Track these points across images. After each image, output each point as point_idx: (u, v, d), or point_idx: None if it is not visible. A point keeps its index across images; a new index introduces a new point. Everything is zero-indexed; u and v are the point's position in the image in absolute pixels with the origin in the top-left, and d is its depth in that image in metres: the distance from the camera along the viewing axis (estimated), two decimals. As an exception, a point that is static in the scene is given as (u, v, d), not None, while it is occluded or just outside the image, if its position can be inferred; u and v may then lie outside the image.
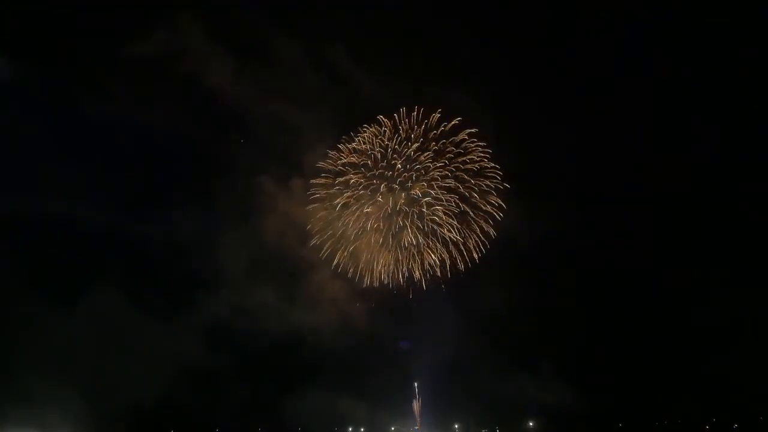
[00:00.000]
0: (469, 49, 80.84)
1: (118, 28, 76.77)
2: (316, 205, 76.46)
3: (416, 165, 74.59)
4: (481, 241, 75.16)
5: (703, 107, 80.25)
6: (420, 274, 75.84)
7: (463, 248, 75.10)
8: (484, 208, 74.90)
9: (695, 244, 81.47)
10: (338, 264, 75.87)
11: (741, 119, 79.20)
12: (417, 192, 74.79)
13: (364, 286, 75.81)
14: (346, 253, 75.93)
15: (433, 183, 74.61)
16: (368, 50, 77.99)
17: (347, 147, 76.03)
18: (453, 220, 74.84)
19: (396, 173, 74.88)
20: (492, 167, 74.84)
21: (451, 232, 74.99)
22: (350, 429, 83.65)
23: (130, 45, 75.39)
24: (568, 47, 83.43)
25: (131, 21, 76.35)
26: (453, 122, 74.14)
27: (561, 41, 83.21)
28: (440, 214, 74.97)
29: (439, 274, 75.70)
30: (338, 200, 75.86)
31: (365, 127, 75.23)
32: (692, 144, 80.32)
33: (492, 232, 74.85)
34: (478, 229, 75.05)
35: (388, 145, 74.59)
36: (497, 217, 74.52)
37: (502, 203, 74.64)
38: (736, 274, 77.95)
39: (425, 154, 74.48)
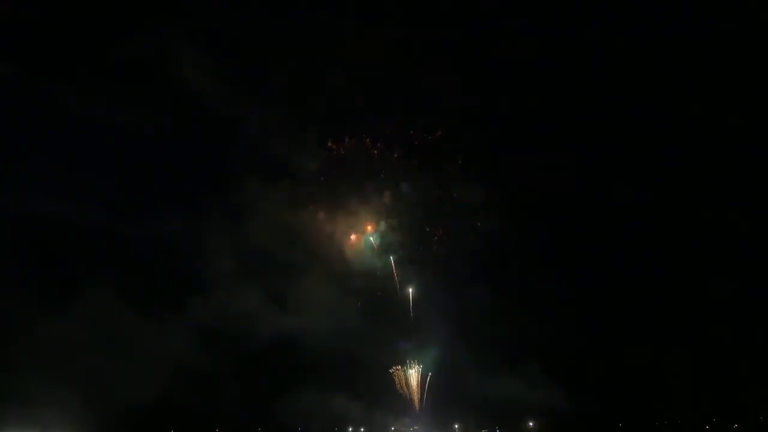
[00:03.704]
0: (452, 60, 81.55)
1: (105, 30, 77.48)
2: (306, 209, 77.70)
3: (400, 171, 75.71)
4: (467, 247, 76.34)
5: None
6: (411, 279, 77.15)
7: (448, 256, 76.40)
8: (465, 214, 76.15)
9: (693, 242, 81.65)
10: (331, 267, 77.07)
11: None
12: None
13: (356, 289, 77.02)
14: (337, 258, 77.14)
15: (418, 192, 75.85)
16: (356, 54, 78.36)
17: (331, 154, 77.16)
18: (439, 228, 76.10)
19: (381, 180, 76.14)
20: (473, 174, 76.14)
21: (439, 243, 76.26)
22: (350, 429, 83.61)
23: (120, 47, 76.18)
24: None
25: (118, 23, 77.19)
26: (436, 133, 75.45)
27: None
28: (426, 226, 76.25)
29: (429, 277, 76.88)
30: (326, 207, 77.05)
31: (348, 137, 76.38)
32: (678, 142, 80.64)
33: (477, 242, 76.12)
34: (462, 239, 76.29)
35: (373, 153, 75.71)
36: (479, 226, 75.95)
37: (485, 211, 76.01)
38: (735, 272, 78.21)
39: (410, 162, 75.59)
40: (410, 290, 79.15)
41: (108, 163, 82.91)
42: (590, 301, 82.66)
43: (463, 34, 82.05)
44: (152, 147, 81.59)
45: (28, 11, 74.67)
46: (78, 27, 76.79)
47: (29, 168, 76.32)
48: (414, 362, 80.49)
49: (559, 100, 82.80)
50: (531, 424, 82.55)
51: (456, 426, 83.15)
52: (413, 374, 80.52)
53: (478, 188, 79.30)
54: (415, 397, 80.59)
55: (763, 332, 75.25)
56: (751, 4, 74.82)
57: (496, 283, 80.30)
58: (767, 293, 76.18)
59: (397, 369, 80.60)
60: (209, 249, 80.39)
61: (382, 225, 78.16)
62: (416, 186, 77.42)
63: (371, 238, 79.09)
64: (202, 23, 79.19)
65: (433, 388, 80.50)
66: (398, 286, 78.42)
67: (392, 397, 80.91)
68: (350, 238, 79.21)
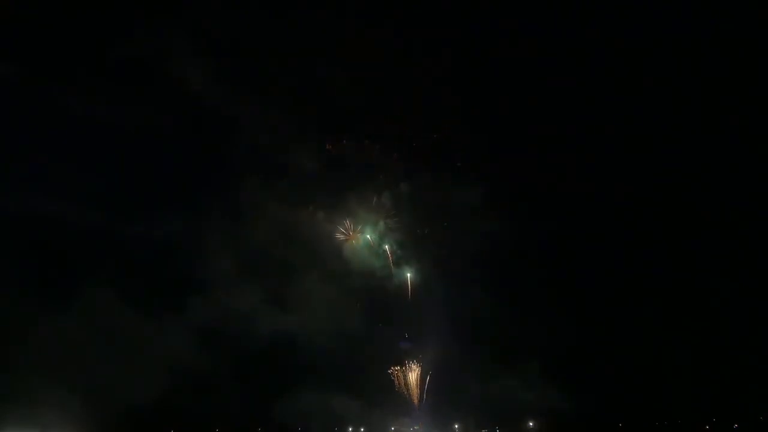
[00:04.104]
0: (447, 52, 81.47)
1: (105, 30, 77.44)
2: (305, 209, 78.12)
3: (400, 171, 76.14)
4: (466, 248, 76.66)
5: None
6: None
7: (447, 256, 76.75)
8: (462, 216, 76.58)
9: (693, 242, 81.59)
10: (330, 267, 77.50)
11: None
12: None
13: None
14: (336, 258, 77.63)
15: (417, 192, 76.31)
16: (356, 54, 78.54)
17: (330, 155, 77.56)
18: (438, 228, 76.56)
19: (380, 180, 76.76)
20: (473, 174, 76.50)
21: (438, 243, 76.65)
22: (350, 429, 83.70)
23: (119, 47, 76.21)
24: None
25: (118, 23, 77.19)
26: (436, 134, 75.84)
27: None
28: (425, 226, 76.78)
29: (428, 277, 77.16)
30: (325, 207, 77.58)
31: (347, 138, 76.79)
32: (678, 142, 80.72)
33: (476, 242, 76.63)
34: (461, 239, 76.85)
35: (372, 153, 76.15)
36: (479, 226, 76.34)
37: (485, 211, 76.33)
38: (735, 272, 78.16)
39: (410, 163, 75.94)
40: (408, 275, 79.50)
41: (108, 163, 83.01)
42: (590, 301, 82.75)
43: (463, 34, 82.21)
44: (152, 147, 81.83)
45: (28, 11, 74.82)
46: (77, 27, 76.93)
47: (29, 168, 76.82)
48: (414, 362, 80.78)
49: (559, 100, 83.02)
50: (531, 424, 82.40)
51: (456, 426, 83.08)
52: (413, 373, 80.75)
53: (478, 188, 79.78)
54: (415, 396, 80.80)
55: (763, 332, 75.19)
56: (751, 4, 74.87)
57: (496, 283, 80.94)
58: (767, 293, 76.15)
59: (395, 370, 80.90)
60: (209, 249, 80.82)
61: (381, 225, 78.55)
62: (416, 186, 77.89)
63: (369, 237, 79.41)
64: (201, 23, 79.41)
65: (432, 388, 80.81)
66: (395, 282, 78.91)
67: (392, 397, 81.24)
68: (349, 238, 79.51)
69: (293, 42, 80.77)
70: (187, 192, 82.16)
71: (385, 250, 79.05)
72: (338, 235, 79.16)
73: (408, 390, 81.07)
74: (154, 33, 76.56)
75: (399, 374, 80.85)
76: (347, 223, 78.64)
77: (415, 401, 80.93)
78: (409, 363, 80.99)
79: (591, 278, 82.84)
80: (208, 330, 77.76)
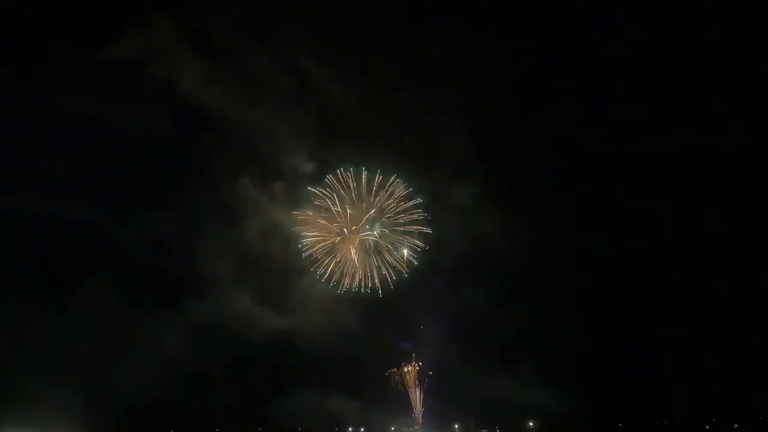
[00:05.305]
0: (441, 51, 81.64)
1: (100, 31, 77.59)
2: (302, 210, 78.75)
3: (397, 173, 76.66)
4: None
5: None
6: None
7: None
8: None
9: (693, 242, 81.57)
10: (328, 267, 78.03)
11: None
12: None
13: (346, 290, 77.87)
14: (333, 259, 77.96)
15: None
16: (340, 57, 79.38)
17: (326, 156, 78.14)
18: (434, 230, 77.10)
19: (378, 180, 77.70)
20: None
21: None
22: (350, 429, 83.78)
23: (116, 48, 76.38)
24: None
25: (114, 24, 77.54)
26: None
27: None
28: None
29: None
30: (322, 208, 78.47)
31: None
32: (678, 142, 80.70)
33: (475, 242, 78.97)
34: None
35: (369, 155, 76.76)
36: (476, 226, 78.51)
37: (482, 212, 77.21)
38: (735, 272, 78.17)
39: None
40: (405, 251, 79.80)
41: (106, 164, 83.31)
42: (590, 301, 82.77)
43: (463, 32, 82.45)
44: (149, 148, 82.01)
45: (25, 12, 75.10)
46: (72, 28, 77.30)
47: (28, 168, 77.09)
48: (413, 362, 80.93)
49: (558, 100, 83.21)
50: (531, 424, 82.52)
51: (456, 426, 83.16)
52: (412, 374, 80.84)
53: (476, 188, 79.86)
54: (414, 396, 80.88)
55: (763, 332, 75.17)
56: (751, 4, 74.86)
57: (495, 284, 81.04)
58: (767, 293, 76.18)
59: (393, 372, 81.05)
60: (209, 250, 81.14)
61: (378, 226, 78.63)
62: (414, 186, 78.15)
63: (367, 237, 79.49)
64: (198, 24, 79.75)
65: (432, 388, 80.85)
66: (394, 282, 79.22)
67: (391, 397, 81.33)
68: (347, 239, 79.50)
69: (292, 42, 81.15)
70: (185, 193, 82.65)
71: (382, 251, 79.12)
72: (336, 236, 79.19)
73: (407, 390, 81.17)
74: (151, 34, 76.94)
75: (398, 374, 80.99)
76: (345, 223, 78.76)
77: (415, 401, 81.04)
78: (408, 363, 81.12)
79: (591, 278, 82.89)
80: (208, 330, 78.11)
